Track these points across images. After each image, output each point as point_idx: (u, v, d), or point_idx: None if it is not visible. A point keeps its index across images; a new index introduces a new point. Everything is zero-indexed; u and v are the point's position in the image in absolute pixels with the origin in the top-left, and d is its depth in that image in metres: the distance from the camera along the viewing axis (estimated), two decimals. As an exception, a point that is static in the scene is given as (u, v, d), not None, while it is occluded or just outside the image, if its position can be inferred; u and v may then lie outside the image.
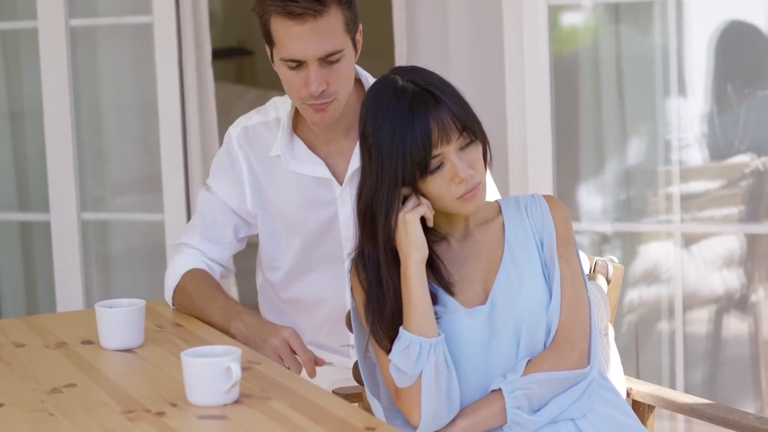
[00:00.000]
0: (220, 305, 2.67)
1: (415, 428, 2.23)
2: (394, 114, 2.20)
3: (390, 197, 2.22)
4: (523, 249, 2.33)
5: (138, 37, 4.47)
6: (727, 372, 3.94)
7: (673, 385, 3.85)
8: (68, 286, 4.52)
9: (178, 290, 2.79)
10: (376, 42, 4.96)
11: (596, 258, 2.77)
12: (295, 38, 2.59)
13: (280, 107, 2.82)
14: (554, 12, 3.89)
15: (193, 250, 2.84)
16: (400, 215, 2.22)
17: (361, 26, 2.68)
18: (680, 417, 3.79)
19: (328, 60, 2.60)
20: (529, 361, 2.27)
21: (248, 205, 2.83)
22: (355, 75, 2.74)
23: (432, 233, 2.28)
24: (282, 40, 2.62)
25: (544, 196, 2.39)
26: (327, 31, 2.58)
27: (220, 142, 2.91)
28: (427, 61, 3.81)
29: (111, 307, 2.48)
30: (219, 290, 2.74)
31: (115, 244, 4.70)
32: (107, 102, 4.62)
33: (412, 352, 2.20)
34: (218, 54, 6.99)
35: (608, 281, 2.75)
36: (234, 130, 2.85)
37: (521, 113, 3.86)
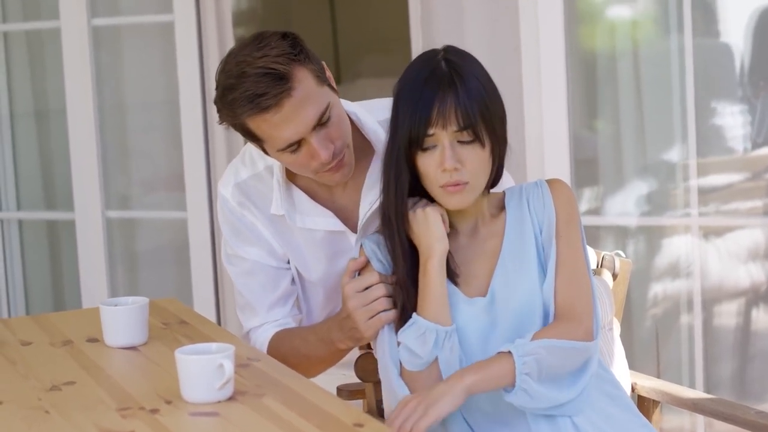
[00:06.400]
0: (316, 340, 2.53)
1: None
2: (414, 79, 2.23)
3: (398, 157, 2.25)
4: (521, 241, 2.33)
5: (161, 36, 4.50)
6: (755, 367, 3.91)
7: (692, 381, 3.83)
8: (93, 283, 4.57)
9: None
10: (393, 36, 4.97)
11: (603, 252, 2.76)
12: (281, 125, 2.36)
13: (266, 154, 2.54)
14: (572, 4, 3.89)
15: (259, 329, 2.64)
16: (420, 209, 2.25)
17: (324, 63, 2.47)
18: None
19: (321, 122, 2.39)
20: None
21: (279, 253, 2.62)
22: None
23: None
24: (270, 134, 2.38)
25: (549, 180, 2.39)
26: (306, 98, 2.37)
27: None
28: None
29: (116, 306, 2.49)
30: (300, 334, 2.58)
31: (141, 241, 4.74)
32: (131, 100, 4.66)
33: (429, 339, 2.22)
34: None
35: (615, 276, 2.73)
36: (225, 191, 2.63)
37: (538, 106, 3.85)
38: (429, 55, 2.28)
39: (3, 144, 4.84)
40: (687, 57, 3.74)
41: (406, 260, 2.29)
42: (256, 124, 2.37)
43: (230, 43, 4.35)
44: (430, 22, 3.93)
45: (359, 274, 2.38)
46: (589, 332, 2.25)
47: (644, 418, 2.37)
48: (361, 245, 2.39)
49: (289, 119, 2.35)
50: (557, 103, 3.83)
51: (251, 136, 2.42)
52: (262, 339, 2.61)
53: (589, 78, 3.98)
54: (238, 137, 4.30)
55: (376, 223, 2.45)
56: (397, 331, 2.30)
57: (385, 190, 2.29)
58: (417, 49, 3.96)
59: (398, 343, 2.28)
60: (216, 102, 2.43)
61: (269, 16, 8.15)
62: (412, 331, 2.24)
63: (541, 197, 2.35)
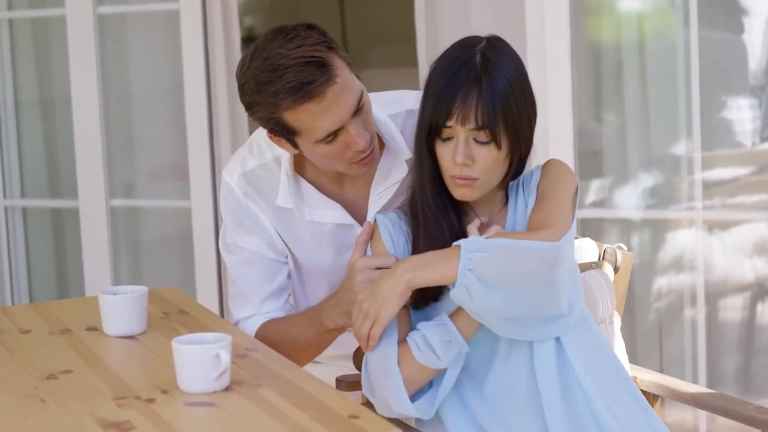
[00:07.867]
0: (305, 322, 2.54)
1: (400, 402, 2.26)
2: (445, 67, 2.23)
3: (420, 141, 2.26)
4: (518, 227, 2.34)
5: (166, 25, 4.49)
6: (759, 362, 3.90)
7: (695, 375, 3.82)
8: (97, 272, 4.56)
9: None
10: (399, 30, 4.95)
11: (605, 245, 2.75)
12: (322, 115, 2.33)
13: (275, 144, 2.51)
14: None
15: (249, 320, 2.62)
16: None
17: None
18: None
19: (358, 109, 2.38)
20: None
21: (279, 246, 2.61)
22: None
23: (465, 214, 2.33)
24: (311, 125, 2.35)
25: (545, 162, 2.40)
26: (345, 86, 2.34)
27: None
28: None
29: (114, 294, 2.49)
30: (290, 318, 2.59)
31: (145, 230, 4.74)
32: (136, 89, 4.65)
33: (453, 349, 2.23)
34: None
35: (617, 269, 2.73)
36: (231, 179, 2.59)
37: (543, 98, 3.83)
38: (469, 44, 2.25)
39: (8, 132, 4.83)
40: (693, 50, 3.72)
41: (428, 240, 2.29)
42: (295, 115, 2.34)
43: (236, 33, 4.33)
44: (434, 13, 3.92)
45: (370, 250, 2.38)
46: (554, 236, 2.17)
47: (648, 405, 2.35)
48: (375, 219, 2.39)
49: (330, 108, 2.32)
50: (562, 95, 3.82)
51: (286, 130, 2.38)
52: (250, 330, 2.60)
53: (596, 70, 3.97)
54: (243, 127, 4.33)
55: None
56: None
57: (413, 171, 2.32)
58: (422, 42, 3.94)
59: (414, 329, 2.28)
60: (250, 97, 2.37)
61: (277, 6, 8.14)
62: (440, 333, 2.24)
63: (531, 181, 2.36)
